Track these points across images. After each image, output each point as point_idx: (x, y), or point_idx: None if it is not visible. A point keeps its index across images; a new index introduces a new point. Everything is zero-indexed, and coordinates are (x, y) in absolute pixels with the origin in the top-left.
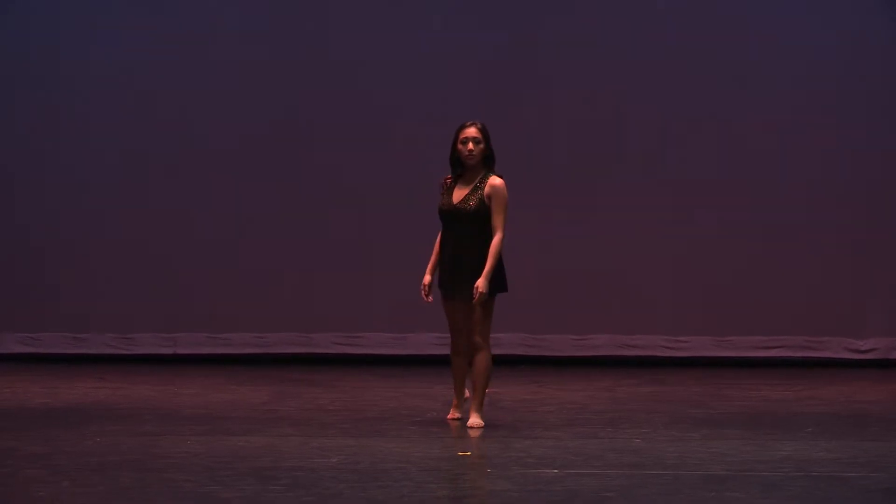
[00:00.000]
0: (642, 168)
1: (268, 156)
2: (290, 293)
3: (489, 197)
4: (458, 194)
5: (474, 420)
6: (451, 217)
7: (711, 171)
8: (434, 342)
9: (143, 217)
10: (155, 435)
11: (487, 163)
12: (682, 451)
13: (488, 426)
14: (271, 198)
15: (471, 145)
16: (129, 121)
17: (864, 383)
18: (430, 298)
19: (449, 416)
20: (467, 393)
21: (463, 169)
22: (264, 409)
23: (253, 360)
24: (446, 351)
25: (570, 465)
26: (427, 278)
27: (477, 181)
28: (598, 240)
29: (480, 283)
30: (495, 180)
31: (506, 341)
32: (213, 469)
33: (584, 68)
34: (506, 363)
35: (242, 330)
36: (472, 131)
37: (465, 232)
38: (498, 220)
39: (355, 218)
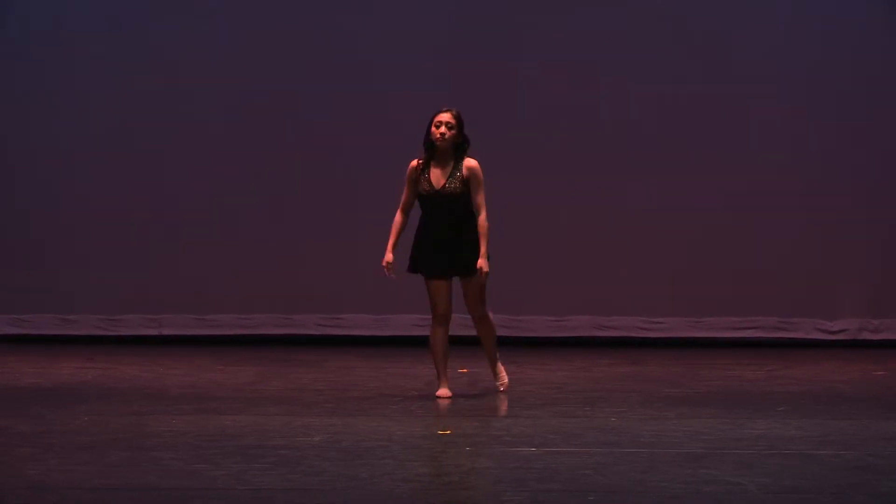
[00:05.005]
0: (619, 152)
1: (254, 142)
2: (274, 275)
3: (468, 179)
4: (438, 178)
5: (505, 378)
6: (437, 200)
7: (686, 155)
8: (415, 323)
9: (130, 199)
10: (143, 414)
11: (459, 149)
12: (658, 429)
13: (467, 405)
14: (256, 183)
15: (443, 129)
16: (115, 102)
17: (835, 363)
18: (394, 276)
19: (441, 394)
20: (466, 369)
21: (435, 153)
22: (249, 388)
23: (238, 340)
24: (427, 332)
25: (548, 444)
26: (390, 257)
27: (452, 165)
28: (575, 222)
29: (483, 264)
30: (471, 162)
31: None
32: (200, 447)
33: (564, 46)
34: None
35: (228, 311)
36: (445, 116)
37: (454, 213)
38: (480, 199)
39: (338, 200)
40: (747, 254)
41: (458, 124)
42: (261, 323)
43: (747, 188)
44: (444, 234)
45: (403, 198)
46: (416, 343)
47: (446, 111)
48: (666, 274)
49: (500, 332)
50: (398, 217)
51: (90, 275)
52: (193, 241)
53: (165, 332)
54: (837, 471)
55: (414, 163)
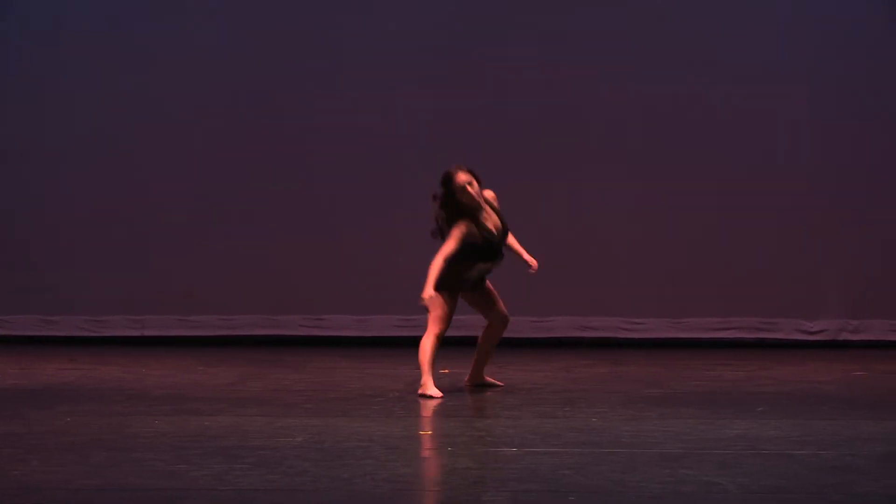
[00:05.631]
0: (599, 153)
1: (237, 144)
2: (257, 276)
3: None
4: (494, 222)
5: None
6: (503, 238)
7: (667, 155)
8: (396, 324)
9: (113, 201)
10: (125, 415)
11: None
12: (638, 429)
13: (448, 405)
14: (239, 183)
15: (474, 187)
16: (100, 102)
17: (814, 364)
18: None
19: (436, 393)
20: (447, 370)
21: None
22: (231, 389)
23: (221, 341)
24: (407, 333)
25: (528, 444)
26: (433, 293)
27: (484, 205)
28: (557, 223)
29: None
30: (489, 192)
31: (467, 323)
32: (181, 448)
33: (557, 47)
34: (467, 344)
35: (210, 312)
36: (464, 176)
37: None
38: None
39: (322, 203)
40: (728, 255)
41: (472, 173)
42: (244, 324)
43: (728, 190)
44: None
45: (453, 249)
46: (398, 344)
47: (460, 171)
48: (647, 275)
49: (483, 333)
50: (441, 263)
51: (74, 276)
52: (177, 243)
53: (148, 333)
54: (817, 471)
55: (467, 222)
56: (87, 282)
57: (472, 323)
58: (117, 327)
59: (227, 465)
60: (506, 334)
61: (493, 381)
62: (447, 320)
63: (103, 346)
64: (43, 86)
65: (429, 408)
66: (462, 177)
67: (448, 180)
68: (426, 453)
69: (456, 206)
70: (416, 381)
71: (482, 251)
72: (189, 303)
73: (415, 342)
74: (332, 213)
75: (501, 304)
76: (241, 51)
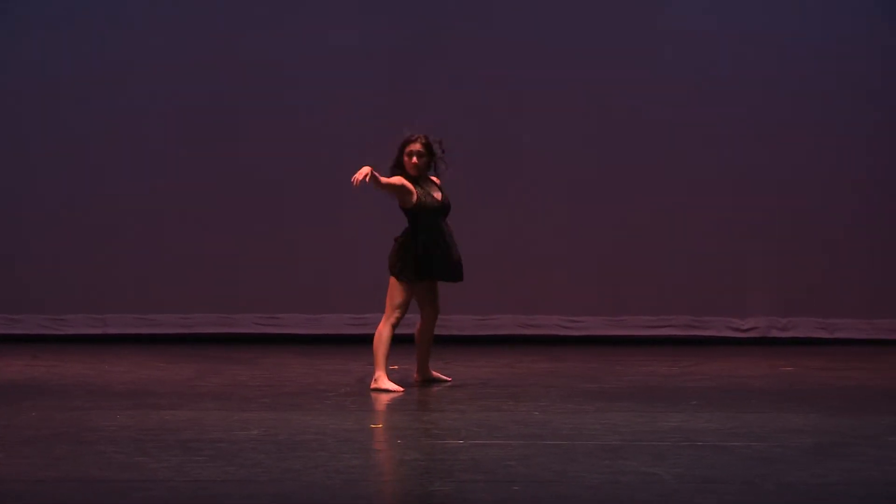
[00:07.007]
0: (538, 155)
1: (194, 146)
2: (213, 276)
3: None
4: (436, 193)
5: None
6: (444, 212)
7: (605, 159)
8: (347, 322)
9: (75, 203)
10: (86, 409)
11: (431, 167)
12: (578, 422)
13: (397, 400)
14: (196, 187)
15: (415, 159)
16: (63, 102)
17: (745, 360)
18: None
19: (395, 388)
20: (396, 366)
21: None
22: (189, 385)
23: (178, 339)
24: (359, 331)
25: (474, 437)
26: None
27: (436, 182)
28: (498, 224)
29: None
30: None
31: (412, 321)
32: (141, 441)
33: (493, 56)
34: (409, 342)
35: (169, 311)
36: (416, 146)
37: (445, 224)
38: None
39: (274, 206)
40: (662, 256)
41: (428, 150)
42: (201, 322)
43: (663, 194)
44: (450, 242)
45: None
46: (349, 341)
47: (416, 140)
48: (586, 275)
49: None
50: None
51: (37, 275)
52: (137, 244)
53: (109, 331)
54: (747, 461)
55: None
56: (49, 281)
57: (407, 321)
58: (79, 326)
59: (186, 457)
60: (452, 332)
61: (440, 376)
62: (405, 309)
63: (66, 343)
64: (8, 85)
65: (379, 402)
66: (412, 146)
67: (404, 142)
68: (376, 446)
69: (395, 166)
70: (367, 376)
71: (429, 220)
72: (149, 302)
73: (365, 339)
74: (286, 216)
75: (438, 301)
76: (200, 58)
